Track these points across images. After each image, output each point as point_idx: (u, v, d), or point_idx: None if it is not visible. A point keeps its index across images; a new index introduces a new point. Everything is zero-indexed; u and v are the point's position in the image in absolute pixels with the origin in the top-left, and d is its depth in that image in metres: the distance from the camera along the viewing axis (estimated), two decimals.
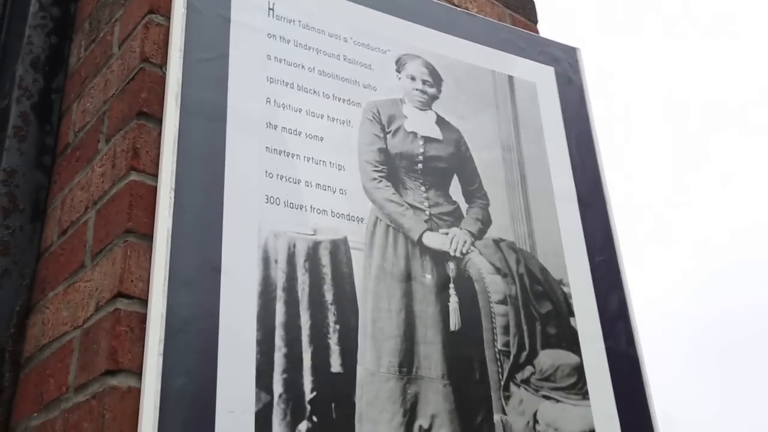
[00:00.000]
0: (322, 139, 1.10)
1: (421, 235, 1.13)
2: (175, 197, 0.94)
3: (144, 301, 0.90)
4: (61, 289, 1.06)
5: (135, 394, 0.86)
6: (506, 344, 1.12)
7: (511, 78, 1.36)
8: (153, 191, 0.97)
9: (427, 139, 1.21)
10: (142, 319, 0.89)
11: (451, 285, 1.11)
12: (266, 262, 0.98)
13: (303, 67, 1.14)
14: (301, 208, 1.04)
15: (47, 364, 1.02)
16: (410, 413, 1.00)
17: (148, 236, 0.94)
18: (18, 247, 1.16)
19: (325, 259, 1.03)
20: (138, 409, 0.85)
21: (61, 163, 1.24)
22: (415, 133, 1.20)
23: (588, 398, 1.14)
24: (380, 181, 1.14)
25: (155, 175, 0.97)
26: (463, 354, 1.07)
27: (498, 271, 1.17)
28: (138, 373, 0.87)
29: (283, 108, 1.09)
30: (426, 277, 1.10)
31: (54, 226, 1.17)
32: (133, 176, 0.97)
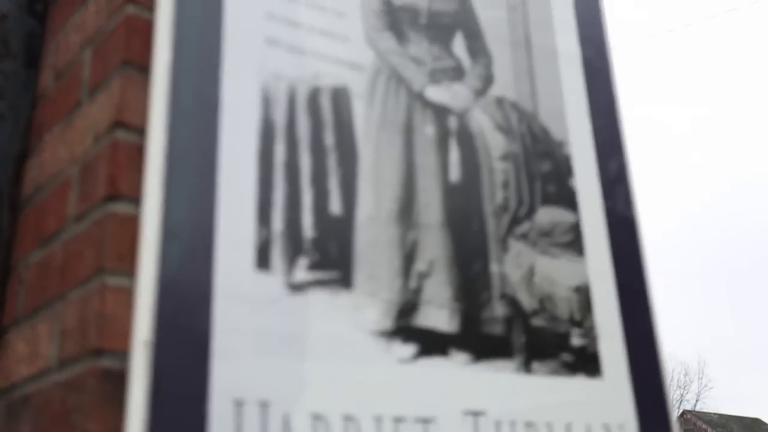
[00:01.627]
0: None
1: (424, 87, 1.11)
2: (174, 30, 0.92)
3: (143, 132, 0.89)
4: (58, 130, 1.04)
5: (135, 222, 0.86)
6: (505, 200, 1.12)
7: None
8: (150, 25, 0.94)
9: None
10: (141, 149, 0.88)
11: (452, 139, 1.10)
12: (266, 102, 0.97)
13: None
14: (302, 53, 1.02)
15: (46, 202, 1.02)
16: (409, 257, 1.01)
17: (146, 70, 0.92)
18: (12, 92, 1.14)
19: (326, 104, 1.02)
20: (137, 235, 0.85)
21: (54, 10, 1.20)
22: None
23: (584, 255, 1.15)
24: (383, 32, 1.11)
25: (152, 9, 0.95)
26: (463, 205, 1.07)
27: (499, 128, 1.15)
28: (137, 201, 0.86)
29: None
30: (427, 129, 1.09)
31: (49, 72, 1.14)
32: (130, 9, 0.94)
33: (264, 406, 0.85)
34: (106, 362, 0.80)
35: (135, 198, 0.86)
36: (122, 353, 0.81)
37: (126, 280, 0.83)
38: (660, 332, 1.14)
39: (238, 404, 0.84)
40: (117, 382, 0.80)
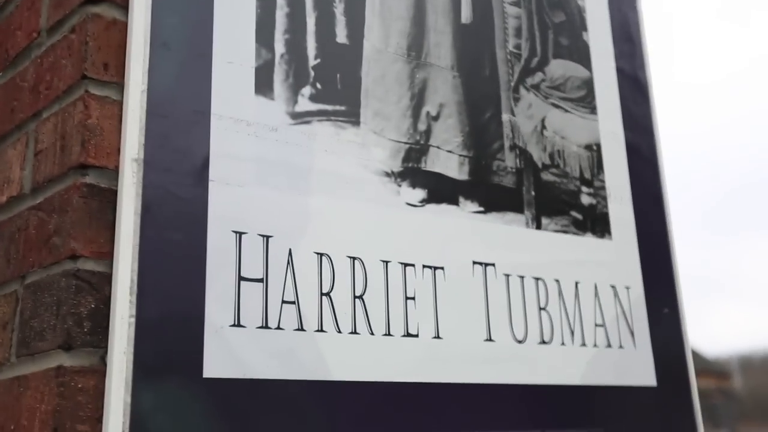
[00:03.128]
0: None
1: None
2: None
3: None
4: None
5: (121, 28, 0.75)
6: (518, 47, 1.04)
7: None
8: None
9: None
10: None
11: None
12: None
13: None
14: None
15: (11, 20, 0.89)
16: (418, 98, 0.93)
17: None
18: None
19: None
20: (124, 43, 0.74)
21: None
22: None
23: (596, 113, 1.08)
24: None
25: None
26: (474, 48, 0.99)
27: None
28: (125, 6, 0.76)
29: None
30: None
31: None
32: None
33: (266, 238, 0.78)
34: (92, 179, 0.70)
35: (121, 4, 0.76)
36: (110, 171, 0.71)
37: (112, 91, 0.73)
38: (667, 197, 1.10)
39: (239, 235, 0.76)
40: (104, 200, 0.71)
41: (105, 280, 0.69)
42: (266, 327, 0.75)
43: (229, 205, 0.76)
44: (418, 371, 0.82)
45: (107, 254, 0.70)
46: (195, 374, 0.70)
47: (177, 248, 0.72)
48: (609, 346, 0.98)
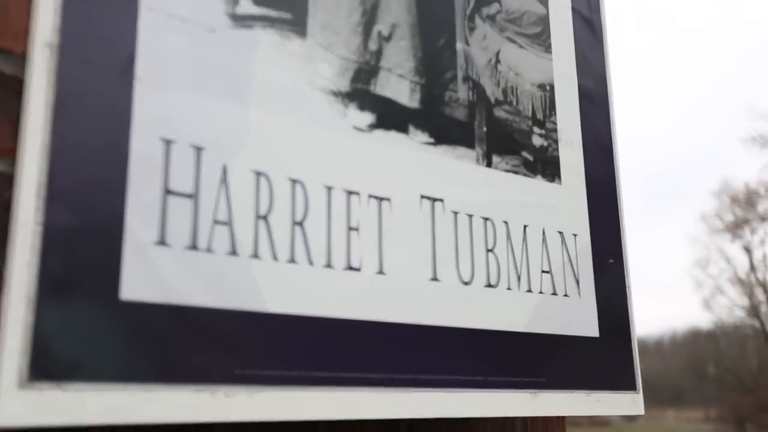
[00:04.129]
0: None
1: None
2: None
3: None
4: None
5: None
6: None
7: None
8: None
9: None
10: None
11: None
12: None
13: None
14: None
15: None
16: (370, 14, 0.85)
17: None
18: None
19: None
20: None
21: None
22: None
23: (550, 52, 1.03)
24: None
25: None
26: None
27: None
28: None
29: None
30: None
31: None
32: None
33: (198, 151, 0.69)
34: None
35: None
36: (16, 56, 0.61)
37: None
38: (617, 146, 1.06)
39: (167, 143, 0.67)
40: (8, 89, 0.60)
41: (5, 181, 0.59)
42: (195, 248, 0.66)
43: (157, 108, 0.67)
44: (359, 307, 0.76)
45: (9, 152, 0.59)
46: (111, 294, 0.61)
47: (95, 151, 0.62)
48: (555, 293, 0.94)
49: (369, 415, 0.73)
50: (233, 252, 0.68)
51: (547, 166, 0.98)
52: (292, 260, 0.72)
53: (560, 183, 0.98)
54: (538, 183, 0.96)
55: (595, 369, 0.95)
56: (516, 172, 0.94)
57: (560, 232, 0.97)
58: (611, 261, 1.01)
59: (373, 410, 0.74)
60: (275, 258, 0.71)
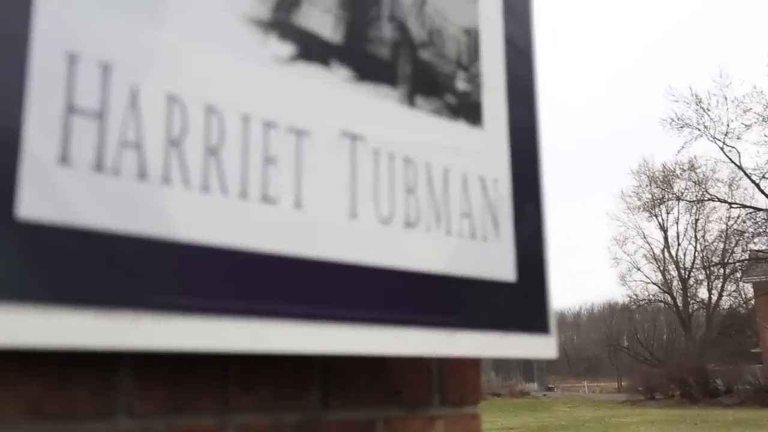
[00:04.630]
0: None
1: None
2: None
3: None
4: None
5: None
6: None
7: None
8: None
9: None
10: None
11: None
12: None
13: None
14: None
15: None
16: None
17: None
18: None
19: None
20: None
21: None
22: None
23: None
24: None
25: None
26: None
27: None
28: None
29: None
30: None
31: None
32: None
33: (106, 69, 0.65)
34: None
35: None
36: None
37: None
38: (539, 95, 1.07)
39: (72, 59, 0.63)
40: None
41: None
42: (101, 168, 0.63)
43: (61, 21, 0.63)
44: (274, 240, 0.74)
45: None
46: (5, 212, 0.57)
47: None
48: (473, 237, 0.94)
49: (282, 348, 0.72)
50: (142, 176, 0.66)
51: (469, 111, 0.98)
52: (206, 188, 0.70)
53: (482, 128, 0.99)
54: (461, 127, 0.96)
55: (511, 312, 0.96)
56: (439, 115, 0.94)
57: (481, 177, 0.97)
58: (530, 208, 1.02)
59: (286, 343, 0.72)
60: (187, 185, 0.68)
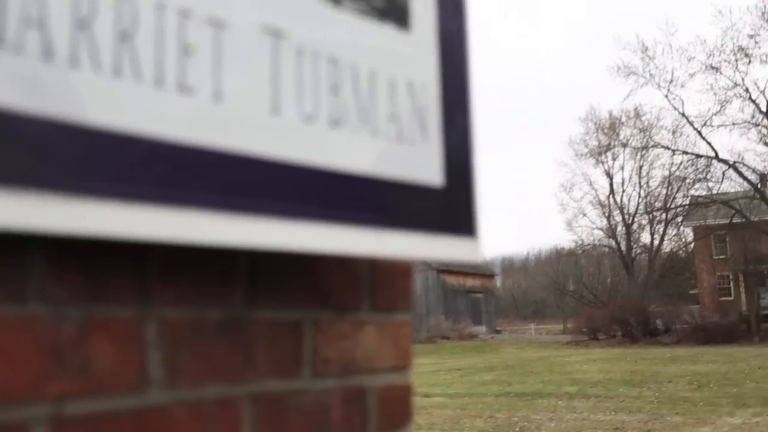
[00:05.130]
0: None
1: None
2: None
3: None
4: None
5: None
6: None
7: None
8: None
9: None
10: None
11: None
12: None
13: None
14: None
15: None
16: None
17: None
18: None
19: None
20: None
21: None
22: None
23: None
24: None
25: None
26: None
27: None
28: None
29: None
30: None
31: None
32: None
33: None
34: None
35: None
36: None
37: None
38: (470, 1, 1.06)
39: None
40: None
41: None
42: (1, 42, 0.61)
43: None
44: (193, 130, 0.73)
45: None
46: None
47: None
48: (400, 140, 0.94)
49: (202, 238, 0.71)
50: (48, 55, 0.63)
51: (397, 14, 0.97)
52: (118, 73, 0.68)
53: (410, 32, 0.98)
54: (388, 30, 0.95)
55: (438, 215, 0.97)
56: (366, 15, 0.92)
57: (408, 81, 0.96)
58: (458, 114, 1.02)
59: (207, 233, 0.72)
60: (98, 68, 0.66)
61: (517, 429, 11.01)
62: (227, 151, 0.75)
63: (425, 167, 0.97)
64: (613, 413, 12.27)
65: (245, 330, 0.87)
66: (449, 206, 0.99)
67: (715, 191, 36.72)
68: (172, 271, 0.78)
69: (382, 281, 1.09)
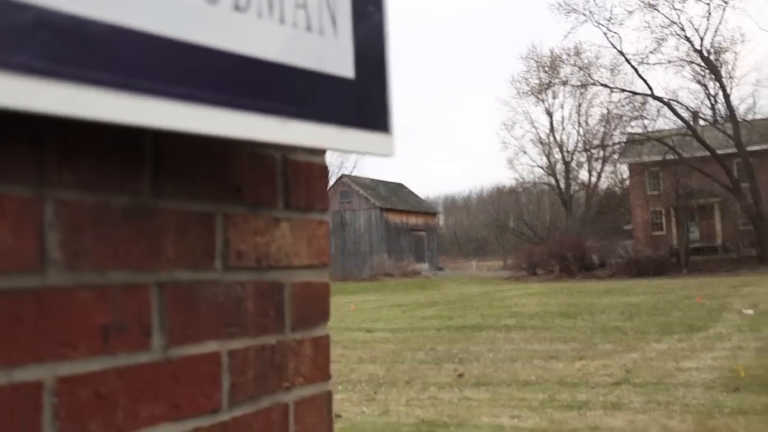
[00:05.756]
0: None
1: None
2: None
3: None
4: None
5: None
6: None
7: None
8: None
9: None
10: None
11: None
12: None
13: None
14: None
15: None
16: None
17: None
18: None
19: None
20: None
21: None
22: None
23: None
24: None
25: None
26: None
27: None
28: None
29: None
30: None
31: None
32: None
33: None
34: None
35: None
36: None
37: None
38: None
39: None
40: None
41: None
42: None
43: None
44: (83, 2, 0.70)
45: None
46: None
47: None
48: (309, 29, 0.93)
49: (101, 115, 0.70)
50: None
51: None
52: None
53: None
54: None
55: (348, 107, 0.97)
56: None
57: None
58: (370, 6, 1.01)
59: (103, 111, 0.70)
60: None
61: (456, 360, 11.33)
62: (123, 28, 0.73)
63: (335, 58, 0.96)
64: (548, 343, 12.73)
65: (153, 219, 0.86)
66: (361, 100, 0.99)
67: (650, 129, 37.57)
68: (72, 153, 0.77)
69: (298, 180, 1.09)
